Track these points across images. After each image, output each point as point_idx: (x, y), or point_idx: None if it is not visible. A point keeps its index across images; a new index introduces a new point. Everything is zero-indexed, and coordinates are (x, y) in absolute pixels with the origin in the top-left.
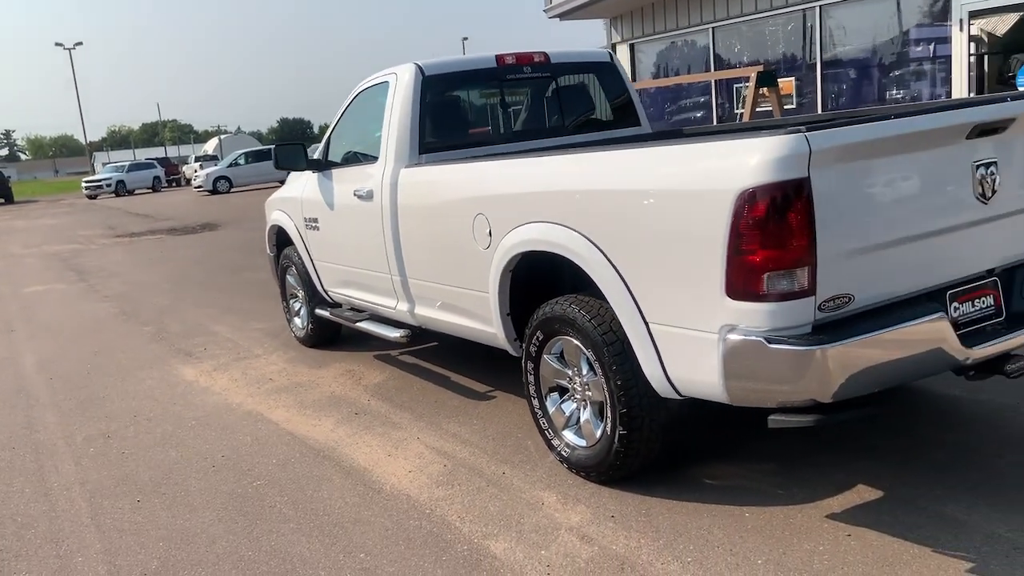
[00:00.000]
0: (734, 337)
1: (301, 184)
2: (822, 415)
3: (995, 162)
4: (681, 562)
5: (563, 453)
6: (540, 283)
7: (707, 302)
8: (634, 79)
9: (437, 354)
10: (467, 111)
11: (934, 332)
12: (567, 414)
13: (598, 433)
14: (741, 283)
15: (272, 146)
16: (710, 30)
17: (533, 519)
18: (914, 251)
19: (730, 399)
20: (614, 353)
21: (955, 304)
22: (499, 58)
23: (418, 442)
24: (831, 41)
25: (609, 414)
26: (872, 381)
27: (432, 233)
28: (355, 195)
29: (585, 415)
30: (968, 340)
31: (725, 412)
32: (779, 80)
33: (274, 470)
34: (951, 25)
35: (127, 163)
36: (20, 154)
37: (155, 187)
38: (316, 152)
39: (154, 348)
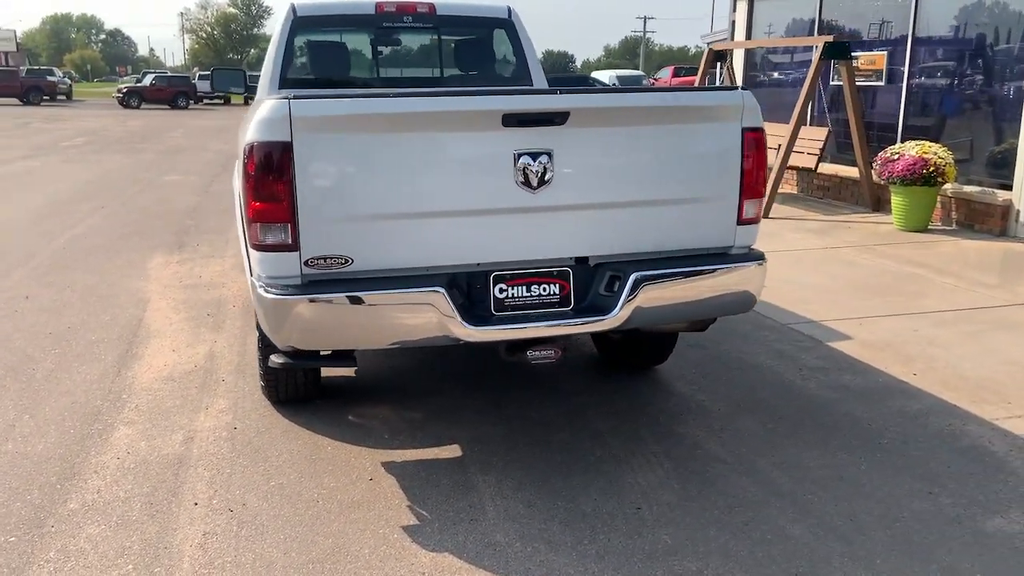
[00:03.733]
0: (253, 282)
1: None
2: (291, 359)
3: (548, 153)
4: (217, 471)
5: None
6: None
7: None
8: (749, 36)
9: None
10: (336, 53)
11: (422, 305)
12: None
13: None
14: (249, 231)
15: None
16: None
17: (179, 419)
18: (430, 227)
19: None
20: None
21: (500, 286)
22: (378, 5)
23: (212, 345)
24: (928, 19)
25: None
26: (347, 338)
27: None
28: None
29: None
30: (488, 321)
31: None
32: (871, 54)
33: (82, 344)
34: None
35: None
36: None
37: None
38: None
39: (167, 238)
